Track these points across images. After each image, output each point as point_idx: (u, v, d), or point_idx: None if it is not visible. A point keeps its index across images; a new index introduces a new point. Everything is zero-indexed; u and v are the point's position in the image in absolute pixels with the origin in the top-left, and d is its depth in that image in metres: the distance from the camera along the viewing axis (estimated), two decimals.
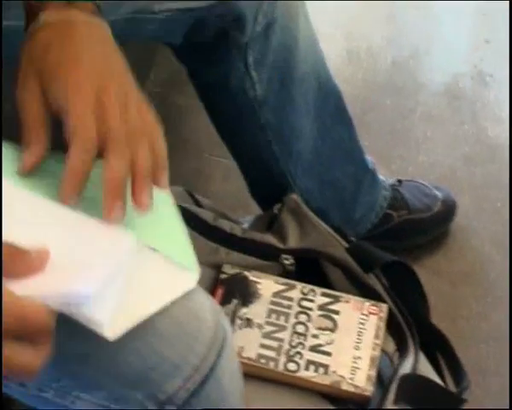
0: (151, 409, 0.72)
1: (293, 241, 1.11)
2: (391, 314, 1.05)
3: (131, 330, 0.68)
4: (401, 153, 1.55)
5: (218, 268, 1.08)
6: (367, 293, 1.07)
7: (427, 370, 1.03)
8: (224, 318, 0.76)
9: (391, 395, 0.96)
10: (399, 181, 1.41)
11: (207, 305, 0.74)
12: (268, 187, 1.24)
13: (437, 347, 1.07)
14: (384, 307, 1.05)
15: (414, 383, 0.98)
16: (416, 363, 1.00)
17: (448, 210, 1.42)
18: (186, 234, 0.75)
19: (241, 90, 1.13)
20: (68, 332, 0.67)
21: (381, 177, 1.36)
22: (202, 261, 1.06)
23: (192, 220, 1.08)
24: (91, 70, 0.69)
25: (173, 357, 0.71)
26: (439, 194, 1.42)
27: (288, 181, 1.21)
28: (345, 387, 0.99)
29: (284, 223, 1.13)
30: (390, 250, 1.12)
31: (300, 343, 1.03)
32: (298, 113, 1.18)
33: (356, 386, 0.99)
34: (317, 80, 1.19)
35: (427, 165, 1.53)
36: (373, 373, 1.00)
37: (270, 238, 1.12)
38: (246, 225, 1.18)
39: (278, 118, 1.17)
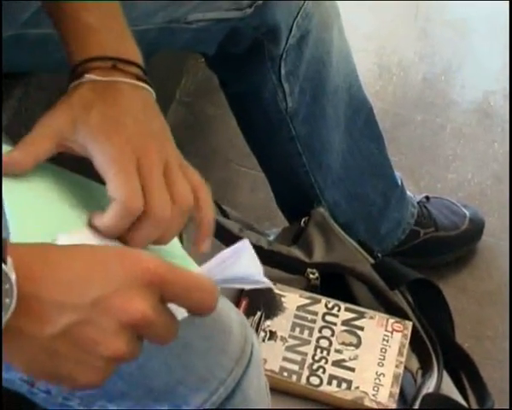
0: None
1: (319, 255, 1.11)
2: (415, 332, 1.04)
3: None
4: (430, 169, 1.55)
5: None
6: (392, 310, 1.07)
7: (450, 389, 1.02)
8: (251, 331, 0.76)
9: None
10: (427, 198, 1.40)
11: (235, 318, 0.74)
12: (296, 199, 1.24)
13: (461, 366, 1.06)
14: (408, 324, 1.05)
15: (437, 402, 0.97)
16: (440, 382, 1.00)
17: (475, 229, 1.41)
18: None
19: (272, 101, 1.13)
20: None
21: (408, 193, 1.35)
22: None
23: (218, 231, 1.08)
24: (134, 133, 0.68)
25: (200, 370, 0.71)
26: (466, 212, 1.41)
27: (316, 193, 1.21)
28: (367, 403, 0.99)
29: (310, 237, 1.13)
30: (416, 267, 1.11)
31: (323, 358, 1.02)
32: (328, 125, 1.18)
33: (378, 402, 0.98)
34: (348, 93, 1.18)
35: (455, 182, 1.52)
36: (396, 390, 0.99)
37: (296, 252, 1.12)
38: (272, 237, 1.18)
39: (309, 130, 1.16)
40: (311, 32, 1.10)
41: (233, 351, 0.72)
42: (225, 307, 0.74)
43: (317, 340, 1.04)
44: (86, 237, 0.66)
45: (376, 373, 1.01)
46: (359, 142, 1.23)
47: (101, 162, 0.67)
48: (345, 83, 1.17)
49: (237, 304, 1.06)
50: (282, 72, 1.10)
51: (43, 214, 0.67)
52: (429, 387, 0.98)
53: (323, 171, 1.20)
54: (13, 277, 0.51)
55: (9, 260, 0.52)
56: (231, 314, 0.74)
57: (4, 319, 0.51)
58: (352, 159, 1.22)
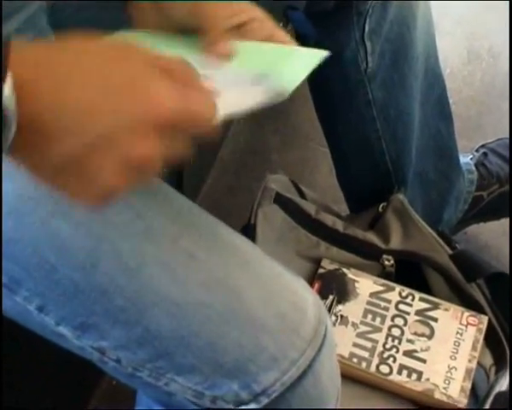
0: (244, 399, 0.71)
1: (396, 242, 1.09)
2: (491, 327, 1.02)
3: (233, 319, 0.68)
4: None
5: (317, 262, 1.07)
6: (468, 303, 1.05)
7: None
8: (325, 313, 0.74)
9: None
10: (485, 153, 1.34)
11: (310, 299, 0.73)
12: (365, 175, 1.21)
13: None
14: (484, 318, 1.02)
15: (510, 402, 0.94)
16: None
17: None
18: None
19: (353, 61, 1.10)
20: (169, 313, 0.68)
21: (464, 159, 1.31)
22: (302, 255, 1.08)
23: (295, 211, 1.07)
24: None
25: (272, 349, 0.69)
26: None
27: (387, 165, 1.18)
28: (437, 396, 0.97)
29: (388, 223, 1.11)
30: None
31: (395, 347, 1.01)
32: (407, 93, 1.14)
33: (449, 396, 0.97)
34: (425, 64, 1.15)
35: None
36: (467, 385, 0.97)
37: (373, 237, 1.10)
38: (348, 221, 1.17)
39: (386, 95, 1.13)
40: None
41: (306, 331, 0.71)
42: (300, 286, 0.74)
43: (389, 328, 1.02)
44: None
45: (448, 366, 0.98)
46: (429, 118, 1.20)
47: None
48: (424, 52, 1.14)
49: (310, 287, 1.05)
50: (366, 29, 1.08)
51: None
52: (502, 385, 0.96)
53: (397, 141, 1.17)
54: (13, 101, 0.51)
55: (10, 79, 0.51)
56: (306, 294, 0.73)
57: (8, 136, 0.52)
58: (420, 135, 1.19)
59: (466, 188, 1.30)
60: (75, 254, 0.67)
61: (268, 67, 0.71)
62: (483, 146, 1.37)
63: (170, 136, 0.57)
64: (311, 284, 1.05)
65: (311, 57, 0.74)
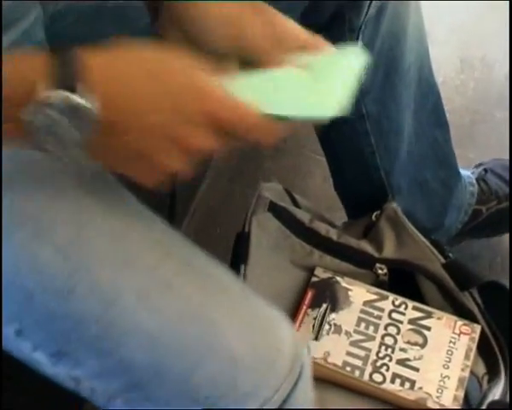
0: None
1: (389, 251, 1.10)
2: (483, 336, 1.02)
3: (208, 353, 0.67)
4: None
5: (311, 271, 1.07)
6: (460, 312, 1.05)
7: None
8: (303, 349, 0.73)
9: None
10: (485, 170, 1.36)
11: (288, 334, 0.72)
12: (360, 186, 1.22)
13: None
14: (477, 328, 1.02)
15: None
16: (507, 389, 0.97)
17: None
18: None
19: None
20: (143, 345, 0.67)
21: (465, 172, 1.32)
22: (296, 263, 1.08)
23: (289, 220, 1.08)
24: None
25: (247, 386, 0.69)
26: None
27: (381, 178, 1.18)
28: (430, 405, 0.97)
29: (381, 231, 1.11)
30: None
31: (388, 355, 1.01)
32: (399, 106, 1.15)
33: (442, 405, 0.96)
34: (418, 73, 1.15)
35: None
36: (460, 394, 0.97)
37: (366, 246, 1.10)
38: (342, 229, 1.17)
39: (379, 109, 1.14)
40: (389, 4, 1.07)
41: (282, 369, 0.70)
42: (278, 321, 0.72)
43: (382, 337, 1.02)
44: None
45: (441, 375, 0.99)
46: (425, 127, 1.20)
47: None
48: (416, 62, 1.14)
49: (303, 295, 1.05)
50: (360, 45, 1.08)
51: None
52: (495, 394, 0.96)
53: (391, 154, 1.17)
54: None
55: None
56: (284, 330, 0.72)
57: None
58: (417, 144, 1.19)
59: (467, 200, 1.30)
60: (52, 279, 0.67)
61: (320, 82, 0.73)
62: (480, 165, 1.38)
63: (222, 132, 0.65)
64: (305, 292, 1.05)
65: (355, 61, 0.77)
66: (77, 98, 0.60)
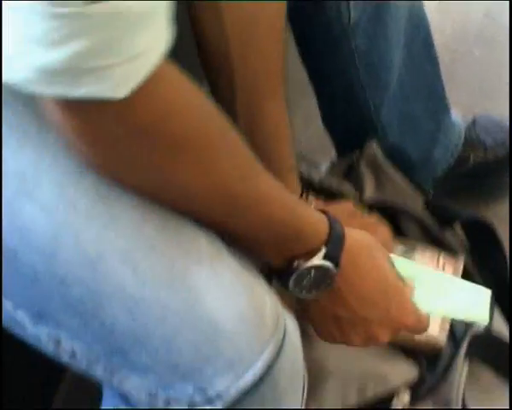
0: (198, 402, 0.70)
1: (370, 192, 1.10)
2: (467, 272, 1.03)
3: (191, 319, 0.67)
4: (487, 106, 1.51)
5: None
6: (442, 249, 1.05)
7: (501, 326, 1.00)
8: (286, 316, 0.73)
9: (462, 351, 0.94)
10: (474, 121, 1.37)
11: (269, 300, 0.71)
12: (349, 120, 1.22)
13: None
14: (460, 259, 1.03)
15: (486, 341, 0.96)
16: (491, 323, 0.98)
17: None
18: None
19: (337, 11, 1.10)
20: (126, 308, 0.67)
21: (455, 116, 1.33)
22: None
23: None
24: None
25: (229, 352, 0.68)
26: None
27: (370, 112, 1.18)
28: (417, 337, 0.97)
29: (361, 173, 1.11)
30: (467, 198, 1.07)
31: None
32: (389, 41, 1.15)
33: (428, 335, 0.97)
34: (409, 8, 1.15)
35: None
36: (446, 326, 0.98)
37: (347, 187, 1.10)
38: (324, 170, 1.17)
39: (369, 44, 1.13)
40: None
41: (264, 335, 0.69)
42: (259, 288, 0.72)
43: None
44: None
45: None
46: (416, 61, 1.20)
47: None
48: None
49: None
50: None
51: None
52: (479, 326, 0.97)
53: (380, 88, 1.17)
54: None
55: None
56: (264, 297, 0.71)
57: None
58: (407, 78, 1.19)
59: (454, 140, 1.31)
60: (36, 238, 0.66)
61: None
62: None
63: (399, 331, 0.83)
64: None
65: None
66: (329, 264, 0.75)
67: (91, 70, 0.56)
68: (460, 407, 0.93)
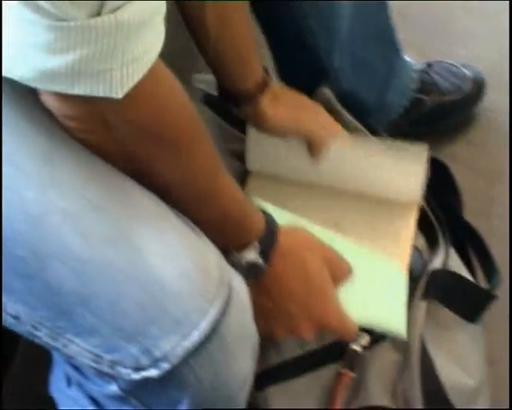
0: (144, 364, 0.69)
1: None
2: (422, 212, 1.03)
3: (135, 279, 0.66)
4: (440, 47, 1.51)
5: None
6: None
7: (458, 266, 1.01)
8: (232, 274, 0.73)
9: (420, 289, 0.95)
10: (429, 65, 1.39)
11: (214, 259, 0.71)
12: (301, 69, 1.20)
13: (469, 242, 1.06)
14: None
15: (444, 278, 0.97)
16: (447, 259, 0.99)
17: (478, 88, 1.41)
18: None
19: None
20: (70, 268, 0.66)
21: (409, 59, 1.33)
22: (228, 150, 1.07)
23: (218, 107, 1.06)
24: None
25: (174, 312, 0.67)
26: (468, 72, 1.41)
27: (321, 59, 1.18)
28: None
29: None
30: (423, 137, 1.07)
31: None
32: None
33: None
34: None
35: (465, 59, 1.48)
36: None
37: None
38: None
39: None
40: None
41: (209, 293, 0.69)
42: (204, 246, 0.72)
43: None
44: None
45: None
46: (366, 5, 1.20)
47: None
48: None
49: (242, 184, 1.05)
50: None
51: None
52: (436, 263, 0.98)
53: (331, 34, 1.17)
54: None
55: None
56: (209, 255, 0.71)
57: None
58: (357, 23, 1.19)
59: (409, 82, 1.31)
60: None
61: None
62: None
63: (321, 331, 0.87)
64: (244, 181, 1.05)
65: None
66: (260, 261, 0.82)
67: (90, 73, 0.60)
68: (419, 346, 0.93)
